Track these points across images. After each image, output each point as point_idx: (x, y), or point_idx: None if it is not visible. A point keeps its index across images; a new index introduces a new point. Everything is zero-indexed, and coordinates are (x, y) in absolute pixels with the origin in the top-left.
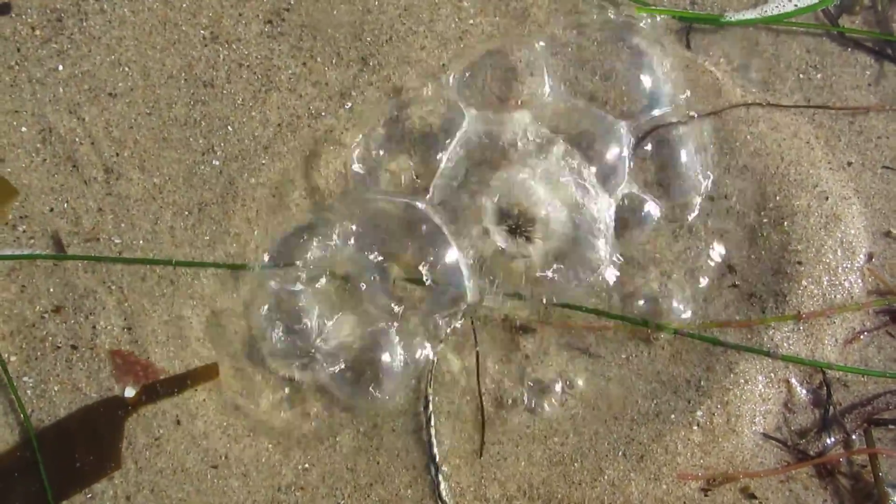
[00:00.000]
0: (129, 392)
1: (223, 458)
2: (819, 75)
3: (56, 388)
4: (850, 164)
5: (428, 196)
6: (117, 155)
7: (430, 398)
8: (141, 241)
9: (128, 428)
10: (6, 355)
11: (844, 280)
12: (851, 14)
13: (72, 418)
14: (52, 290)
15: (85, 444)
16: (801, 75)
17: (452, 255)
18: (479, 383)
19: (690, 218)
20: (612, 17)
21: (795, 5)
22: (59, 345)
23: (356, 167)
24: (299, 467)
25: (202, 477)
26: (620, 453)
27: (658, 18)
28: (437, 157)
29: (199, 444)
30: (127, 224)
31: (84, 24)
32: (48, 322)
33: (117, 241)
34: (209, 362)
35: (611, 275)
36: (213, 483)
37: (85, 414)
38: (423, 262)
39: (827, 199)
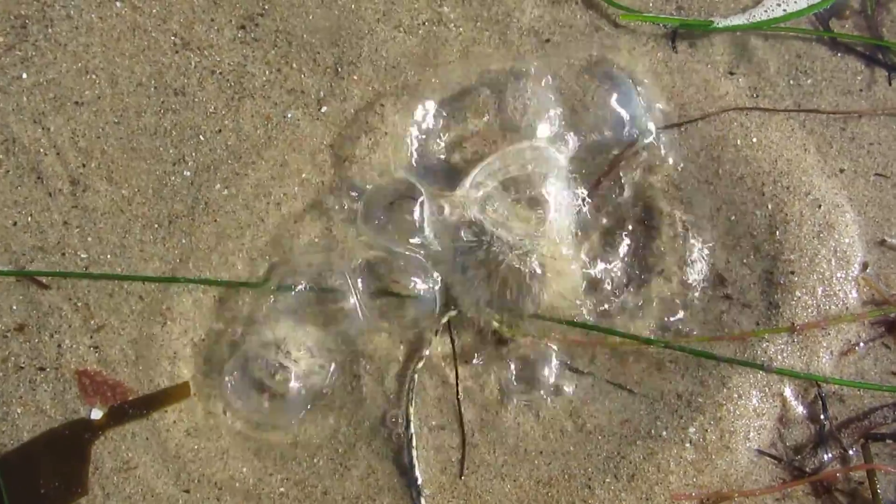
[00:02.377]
0: (96, 414)
1: (196, 481)
2: (809, 81)
3: (19, 411)
4: (842, 171)
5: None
6: (84, 166)
7: (412, 417)
8: (108, 256)
9: (95, 451)
10: None
11: (839, 290)
12: (841, 18)
13: (36, 442)
14: (14, 307)
15: (50, 469)
16: (791, 81)
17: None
18: (458, 403)
19: (678, 228)
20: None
21: (784, 10)
22: (23, 365)
23: None
24: (275, 490)
25: (173, 502)
26: (610, 473)
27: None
28: None
29: (169, 467)
30: (94, 238)
31: (49, 30)
32: (11, 341)
33: (84, 255)
34: (180, 381)
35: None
36: None
37: (50, 437)
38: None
39: (820, 206)
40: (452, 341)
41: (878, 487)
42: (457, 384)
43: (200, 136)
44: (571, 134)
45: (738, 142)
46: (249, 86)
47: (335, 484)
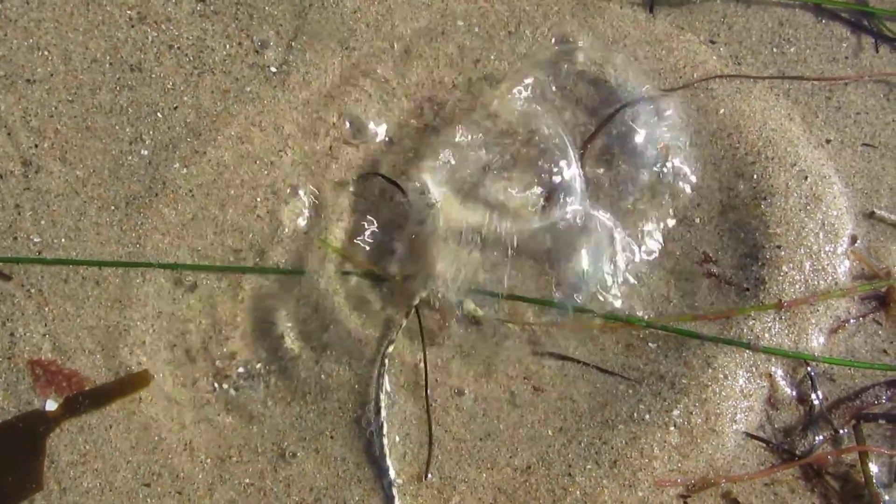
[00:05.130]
0: (51, 405)
1: (156, 475)
2: (793, 49)
3: None
4: (828, 141)
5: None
6: (36, 146)
7: (382, 405)
8: (63, 240)
9: (50, 444)
10: None
11: (827, 265)
12: None
13: None
14: None
15: (2, 464)
16: (774, 49)
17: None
18: (426, 393)
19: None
20: None
21: None
22: None
23: None
24: (239, 483)
25: (133, 496)
26: (591, 459)
27: None
28: None
29: (129, 460)
30: (47, 221)
31: None
32: None
33: (37, 239)
34: (140, 370)
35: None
36: (145, 503)
37: (2, 430)
38: None
39: (806, 178)
40: (420, 326)
41: (871, 470)
42: (426, 372)
43: (158, 114)
44: None
45: (721, 111)
46: (209, 61)
47: (304, 476)
